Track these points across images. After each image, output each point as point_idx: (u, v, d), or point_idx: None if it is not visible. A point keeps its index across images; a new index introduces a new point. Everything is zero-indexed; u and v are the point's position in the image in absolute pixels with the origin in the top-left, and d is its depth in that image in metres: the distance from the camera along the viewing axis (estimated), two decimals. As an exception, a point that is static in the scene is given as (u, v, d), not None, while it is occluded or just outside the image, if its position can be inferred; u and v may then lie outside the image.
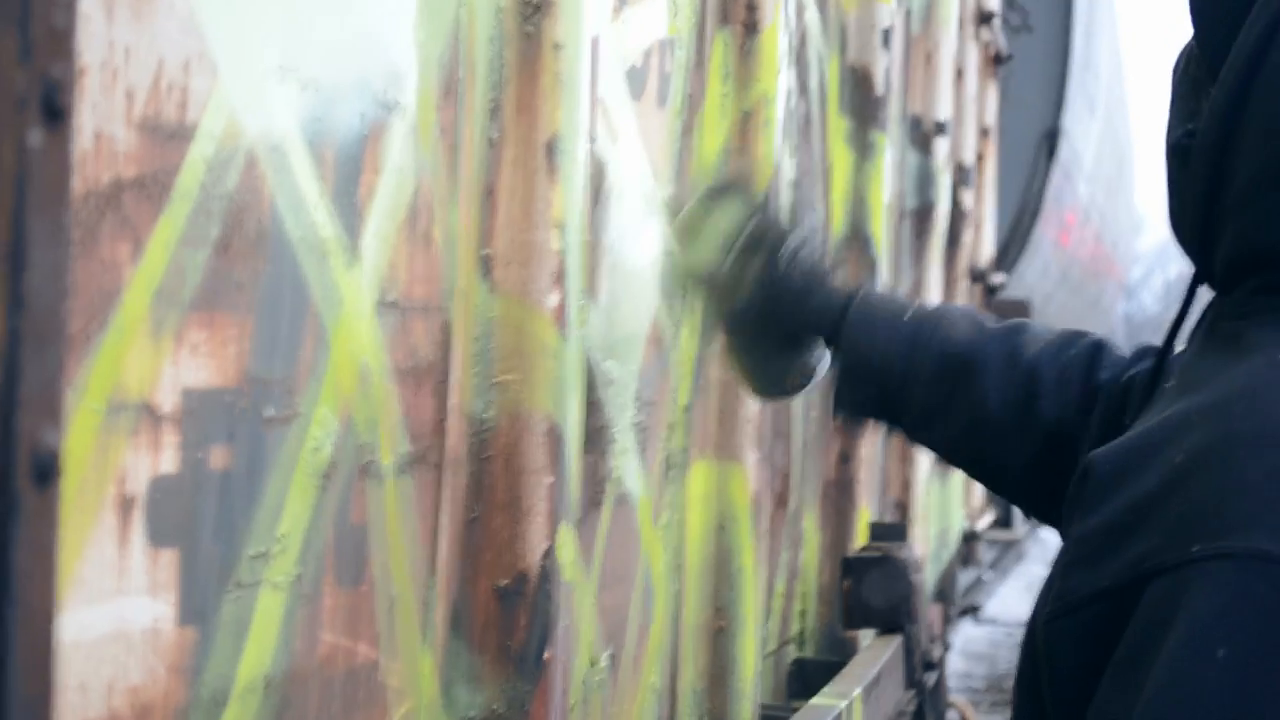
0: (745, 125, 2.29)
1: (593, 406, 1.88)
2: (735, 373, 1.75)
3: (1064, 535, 1.19)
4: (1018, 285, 7.32)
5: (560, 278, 1.57)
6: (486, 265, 1.54)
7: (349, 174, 1.30)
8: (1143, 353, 1.59)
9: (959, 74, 4.21)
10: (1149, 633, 1.05)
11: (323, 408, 1.28)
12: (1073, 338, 1.63)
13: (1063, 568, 1.13)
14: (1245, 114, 1.19)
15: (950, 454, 1.68)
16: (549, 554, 1.58)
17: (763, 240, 1.67)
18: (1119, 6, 11.85)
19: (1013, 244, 7.16)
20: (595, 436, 1.90)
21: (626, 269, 1.96)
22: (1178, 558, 1.04)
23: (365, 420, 1.35)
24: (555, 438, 1.58)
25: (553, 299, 1.56)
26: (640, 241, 1.99)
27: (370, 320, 1.35)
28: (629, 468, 2.02)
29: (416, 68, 1.41)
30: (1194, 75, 1.26)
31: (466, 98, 1.50)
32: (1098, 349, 1.61)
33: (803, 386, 1.73)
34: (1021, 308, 6.88)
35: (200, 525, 1.12)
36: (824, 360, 1.72)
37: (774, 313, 1.68)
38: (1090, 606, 1.10)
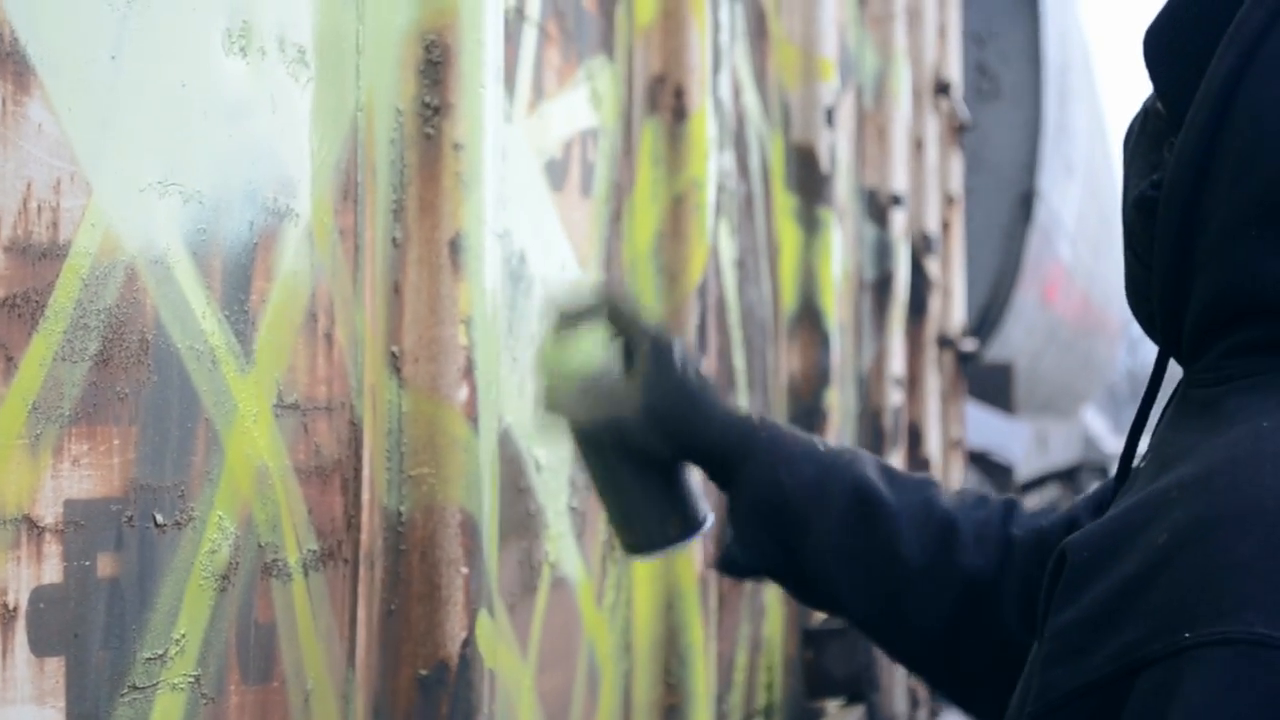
0: (677, 209, 2.33)
1: (522, 493, 1.91)
2: (610, 520, 1.64)
3: (1039, 628, 1.13)
4: (1002, 347, 7.36)
5: (469, 372, 1.60)
6: (395, 362, 1.58)
7: (239, 282, 1.34)
8: (1052, 508, 1.56)
9: (919, 145, 4.26)
10: (1144, 708, 1.00)
11: (219, 510, 1.31)
12: (982, 498, 1.57)
13: (1042, 662, 1.08)
14: (1216, 156, 1.14)
15: (857, 608, 1.56)
16: (468, 642, 1.60)
17: (645, 344, 1.57)
18: (1099, 72, 11.94)
19: (993, 308, 7.21)
20: (526, 523, 1.93)
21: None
22: (1168, 647, 1.00)
23: (266, 520, 1.38)
24: (470, 529, 1.61)
25: (462, 393, 1.59)
26: (567, 329, 2.02)
27: (268, 423, 1.38)
28: (565, 552, 2.05)
29: (310, 174, 1.45)
30: (1153, 130, 1.22)
31: (367, 200, 1.54)
32: (1009, 506, 1.56)
33: (686, 538, 1.61)
34: (1003, 373, 6.91)
35: (89, 631, 1.15)
36: (708, 514, 1.61)
37: (670, 426, 1.55)
38: (1077, 703, 1.05)
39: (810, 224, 3.06)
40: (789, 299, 3.04)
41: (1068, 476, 12.32)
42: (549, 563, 1.99)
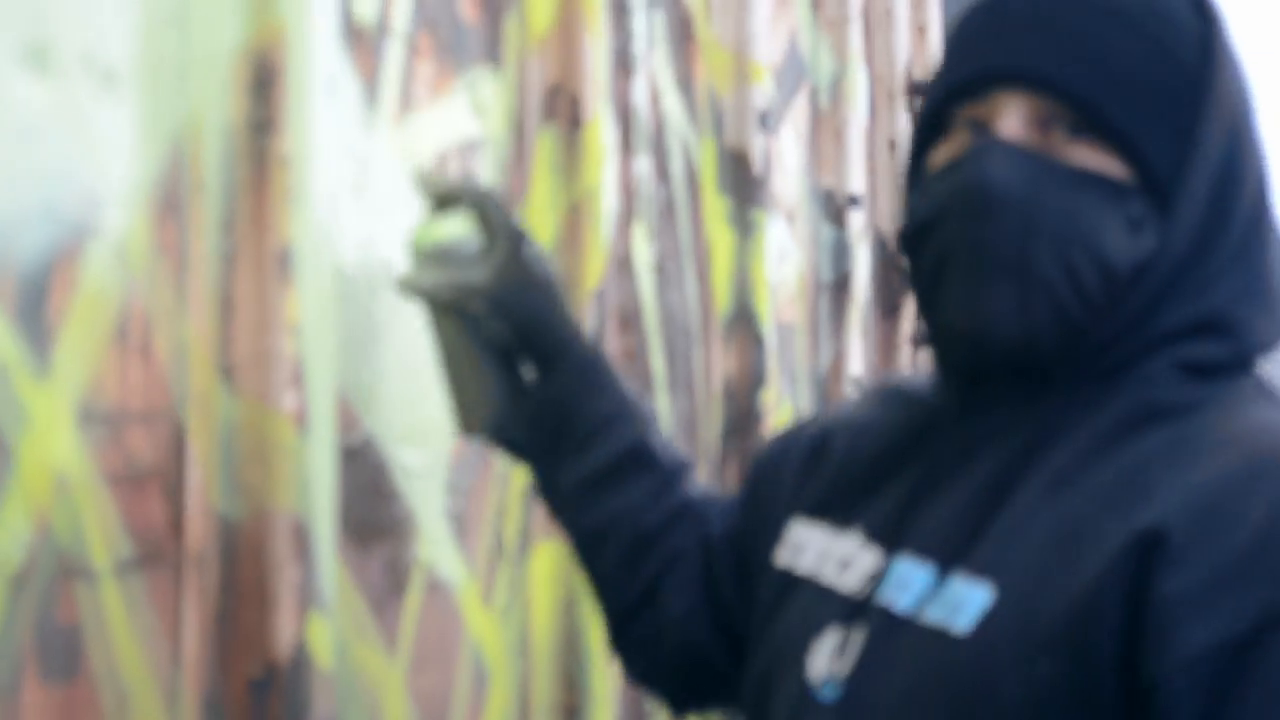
0: (573, 217, 2.37)
1: (387, 498, 1.95)
2: (446, 397, 1.67)
3: (1127, 602, 1.19)
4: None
5: (298, 380, 1.65)
6: (226, 371, 1.62)
7: (33, 297, 1.38)
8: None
9: (891, 145, 4.28)
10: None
11: (10, 517, 1.36)
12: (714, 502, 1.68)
13: (1166, 627, 1.16)
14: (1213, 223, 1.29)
15: (580, 537, 1.65)
16: (299, 644, 1.65)
17: (503, 230, 1.61)
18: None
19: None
20: (392, 527, 1.97)
21: (424, 362, 2.04)
22: None
23: (67, 526, 1.43)
24: (301, 533, 1.65)
25: (291, 401, 1.64)
26: (442, 336, 2.06)
27: (70, 432, 1.43)
28: (443, 555, 2.09)
29: (125, 190, 1.50)
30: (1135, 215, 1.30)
31: (193, 214, 1.59)
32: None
33: (496, 428, 1.65)
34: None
35: None
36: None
37: (509, 309, 1.60)
38: (1212, 656, 1.14)
39: (744, 227, 3.09)
40: (723, 301, 3.07)
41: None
42: (421, 565, 2.03)
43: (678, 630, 1.60)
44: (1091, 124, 1.28)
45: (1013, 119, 1.29)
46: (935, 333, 1.36)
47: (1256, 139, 1.33)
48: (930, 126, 1.36)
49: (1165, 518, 1.18)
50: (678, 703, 1.67)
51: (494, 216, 1.61)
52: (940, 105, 1.35)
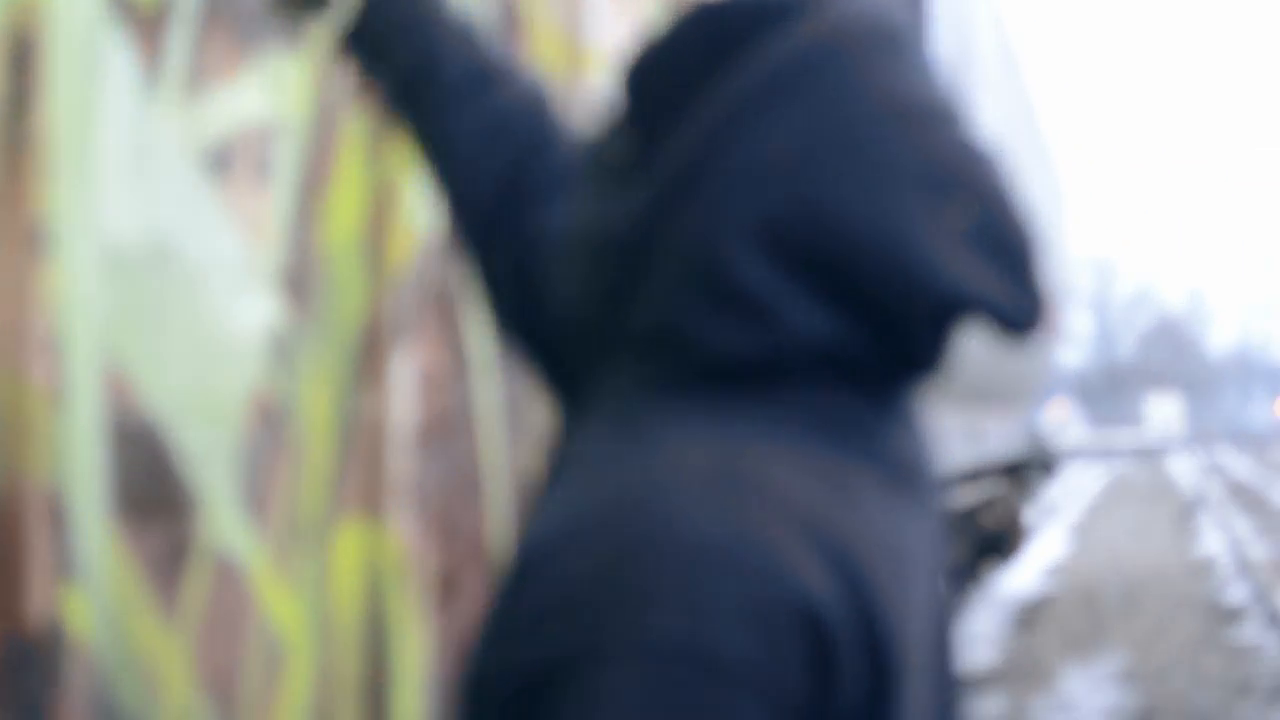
0: (380, 199, 2.39)
1: (171, 475, 1.97)
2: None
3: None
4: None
5: (54, 357, 1.66)
6: (-21, 347, 1.64)
7: None
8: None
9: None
10: (566, 713, 1.15)
11: None
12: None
13: (491, 642, 1.20)
14: (681, 214, 1.22)
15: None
16: (53, 616, 1.67)
17: None
18: (1023, 61, 11.99)
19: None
20: (175, 504, 1.98)
21: (212, 341, 2.05)
22: (593, 652, 1.14)
23: None
24: (56, 507, 1.67)
25: (44, 375, 1.65)
26: (231, 313, 2.08)
27: None
28: (230, 532, 2.11)
29: None
30: (620, 162, 1.27)
31: (-55, 190, 1.60)
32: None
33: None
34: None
35: None
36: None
37: None
38: (513, 687, 1.16)
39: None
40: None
41: (1012, 468, 12.54)
42: (206, 543, 2.05)
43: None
44: None
45: None
46: None
47: (772, 156, 1.21)
48: None
49: (530, 540, 1.21)
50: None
51: None
52: None
